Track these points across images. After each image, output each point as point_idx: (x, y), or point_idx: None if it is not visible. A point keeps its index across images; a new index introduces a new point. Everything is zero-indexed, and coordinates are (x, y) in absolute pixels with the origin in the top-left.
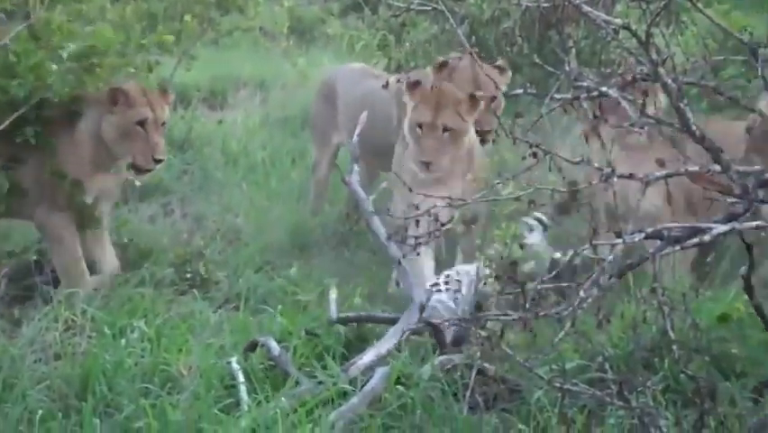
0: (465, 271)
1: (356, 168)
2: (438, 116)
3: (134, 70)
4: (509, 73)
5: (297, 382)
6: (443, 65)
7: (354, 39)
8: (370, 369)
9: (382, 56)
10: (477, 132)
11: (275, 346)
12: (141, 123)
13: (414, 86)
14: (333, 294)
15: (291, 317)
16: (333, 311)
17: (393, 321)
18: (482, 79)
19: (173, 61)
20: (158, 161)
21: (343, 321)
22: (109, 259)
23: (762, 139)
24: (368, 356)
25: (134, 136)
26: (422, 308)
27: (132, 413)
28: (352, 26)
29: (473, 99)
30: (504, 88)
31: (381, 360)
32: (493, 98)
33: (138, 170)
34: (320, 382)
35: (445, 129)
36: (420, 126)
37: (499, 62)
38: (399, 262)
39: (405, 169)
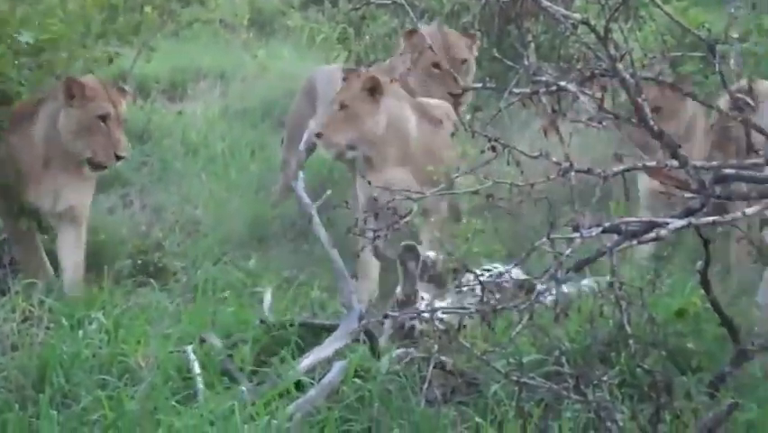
0: None
1: (301, 174)
2: (339, 95)
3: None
4: (478, 42)
5: (236, 381)
6: (412, 32)
7: (314, 31)
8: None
9: (342, 49)
10: (449, 94)
11: (218, 343)
12: (103, 117)
13: (349, 72)
14: (267, 296)
15: (248, 309)
16: (267, 314)
17: (329, 328)
18: (452, 42)
19: (133, 53)
20: (119, 158)
21: (281, 325)
22: (67, 264)
23: (722, 135)
24: (307, 361)
25: (95, 131)
26: (361, 316)
27: (89, 404)
28: (313, 19)
29: (376, 83)
30: (475, 53)
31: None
32: (463, 61)
33: (96, 166)
34: (278, 375)
35: (342, 105)
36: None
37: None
38: (345, 275)
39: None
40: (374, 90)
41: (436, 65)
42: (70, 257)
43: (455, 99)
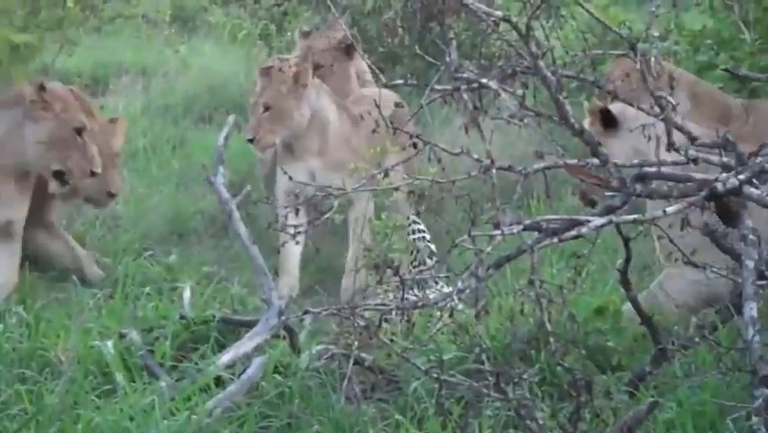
0: None
1: (221, 169)
2: (262, 96)
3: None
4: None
5: (156, 376)
6: (307, 33)
7: (236, 28)
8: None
9: (264, 45)
10: None
11: (137, 338)
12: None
13: (265, 70)
14: (186, 292)
15: (168, 305)
16: (187, 309)
17: (249, 324)
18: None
19: (55, 47)
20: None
21: (201, 321)
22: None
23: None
24: (227, 357)
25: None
26: (280, 313)
27: (8, 398)
28: (235, 15)
29: (299, 75)
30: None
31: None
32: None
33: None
34: (198, 370)
35: (267, 107)
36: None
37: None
38: (265, 272)
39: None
40: (298, 81)
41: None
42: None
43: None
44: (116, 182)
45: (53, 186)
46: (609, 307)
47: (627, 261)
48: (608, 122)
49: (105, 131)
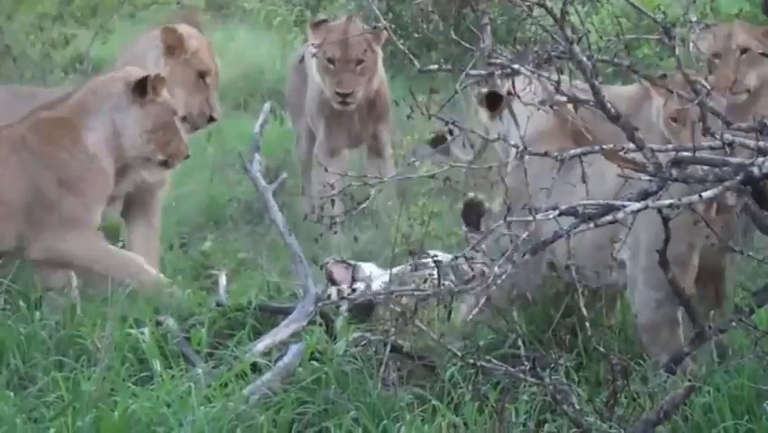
0: None
1: (257, 156)
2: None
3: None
4: (384, 34)
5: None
6: (319, 23)
7: (271, 14)
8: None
9: (299, 32)
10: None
11: (174, 326)
12: (204, 74)
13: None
14: (222, 279)
15: (204, 292)
16: (223, 297)
17: (285, 311)
18: (352, 41)
19: (90, 34)
20: (212, 120)
21: (237, 308)
22: None
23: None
24: (263, 344)
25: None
26: (317, 300)
27: (45, 386)
28: (269, 1)
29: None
30: (378, 49)
31: (277, 347)
32: (358, 62)
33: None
34: (235, 357)
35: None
36: (332, 62)
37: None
38: (301, 259)
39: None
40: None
41: (330, 60)
42: None
43: (342, 98)
44: (218, 107)
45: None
46: None
47: (666, 242)
48: (494, 105)
49: (214, 56)
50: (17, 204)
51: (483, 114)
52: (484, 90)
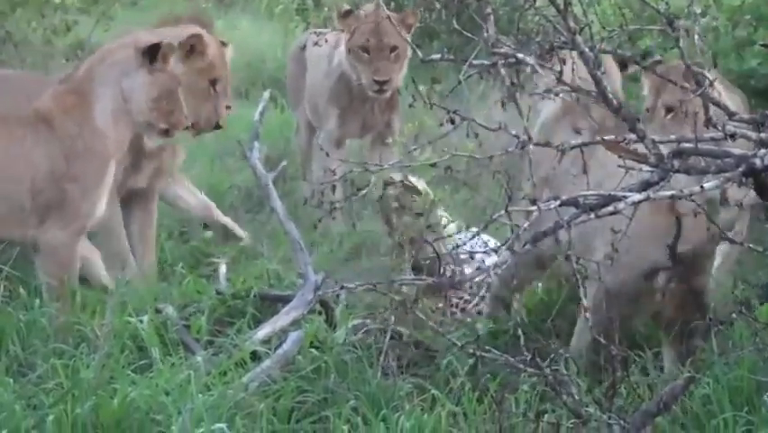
0: None
1: (257, 144)
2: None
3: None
4: (412, 21)
5: (192, 351)
6: (348, 13)
7: (273, 2)
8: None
9: (300, 20)
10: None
11: (173, 315)
12: (214, 82)
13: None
14: (222, 268)
15: (204, 280)
16: (222, 285)
17: (285, 299)
18: (384, 28)
19: (91, 22)
20: (219, 127)
21: (235, 296)
22: None
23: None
24: (263, 332)
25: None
26: (316, 288)
27: (45, 372)
28: None
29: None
30: (408, 36)
31: (277, 335)
32: (393, 48)
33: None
34: (234, 345)
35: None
36: (366, 50)
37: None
38: (301, 247)
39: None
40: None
41: (365, 49)
42: None
43: (380, 86)
44: (225, 114)
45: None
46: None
47: (677, 237)
48: None
49: (226, 62)
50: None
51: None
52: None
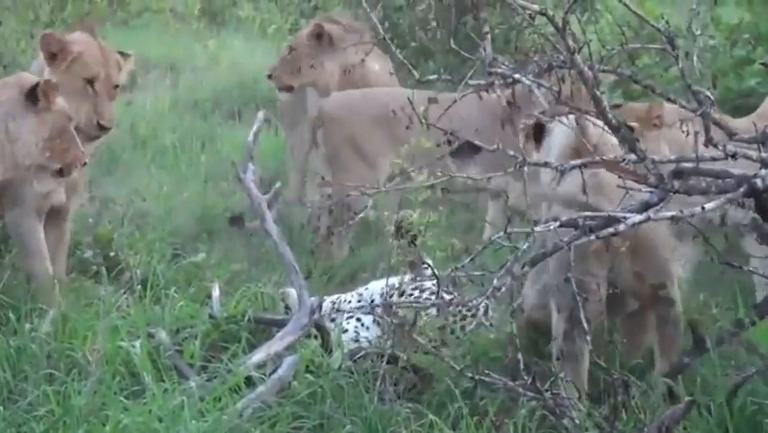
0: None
1: (251, 166)
2: None
3: None
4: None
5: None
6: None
7: (266, 22)
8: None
9: (294, 40)
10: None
11: (166, 338)
12: (91, 81)
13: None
14: (215, 291)
15: (197, 304)
16: (216, 309)
17: (280, 323)
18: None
19: None
20: (102, 128)
21: (229, 320)
22: None
23: None
24: (257, 356)
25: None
26: (312, 312)
27: (35, 399)
28: (264, 9)
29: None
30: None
31: (272, 360)
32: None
33: (87, 135)
34: (228, 370)
35: None
36: None
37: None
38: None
39: None
40: None
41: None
42: None
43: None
44: (110, 115)
45: None
46: None
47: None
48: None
49: (108, 61)
50: None
51: (530, 144)
52: (529, 122)
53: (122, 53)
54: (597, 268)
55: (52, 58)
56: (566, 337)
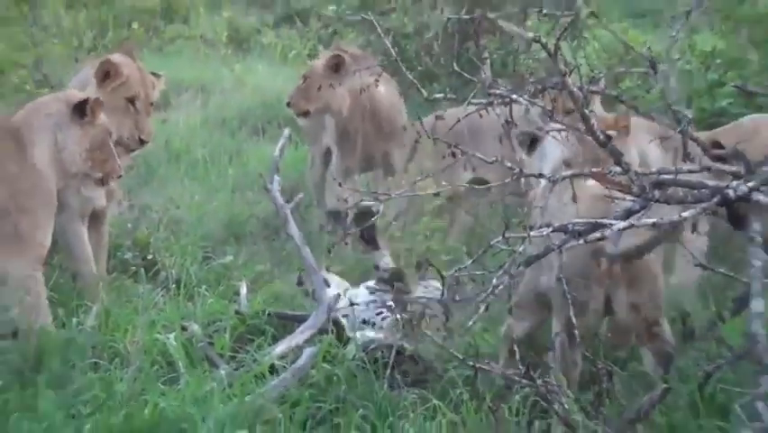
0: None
1: (276, 178)
2: None
3: None
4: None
5: (215, 365)
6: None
7: (287, 48)
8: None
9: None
10: None
11: (198, 332)
12: (132, 99)
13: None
14: (243, 289)
15: (226, 301)
16: (243, 305)
17: (300, 318)
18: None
19: None
20: (143, 143)
21: (254, 316)
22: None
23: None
24: (280, 348)
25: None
26: (329, 309)
27: (82, 385)
28: (285, 36)
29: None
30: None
31: (293, 351)
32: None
33: (127, 148)
34: (254, 360)
35: None
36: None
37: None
38: (316, 271)
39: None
40: None
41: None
42: None
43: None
44: (149, 130)
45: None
46: None
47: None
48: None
49: (146, 82)
50: None
51: (523, 152)
52: (525, 131)
53: (154, 74)
54: (597, 292)
55: (103, 79)
56: (564, 348)
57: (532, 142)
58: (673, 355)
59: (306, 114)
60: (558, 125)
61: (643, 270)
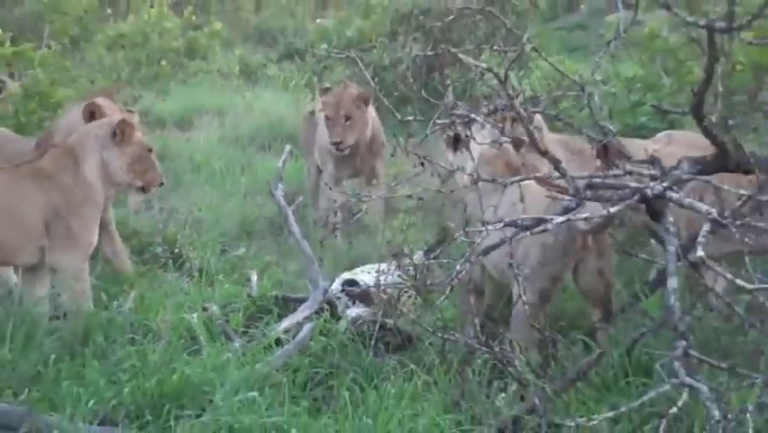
0: None
1: (280, 185)
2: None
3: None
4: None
5: (231, 339)
6: (326, 89)
7: (288, 79)
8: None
9: (308, 91)
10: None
11: (216, 312)
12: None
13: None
14: (254, 277)
15: (239, 286)
16: (253, 290)
17: (301, 300)
18: (342, 103)
19: (152, 95)
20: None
21: (263, 298)
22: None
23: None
24: (284, 324)
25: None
26: (325, 291)
27: (121, 357)
28: (286, 69)
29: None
30: (365, 107)
31: (295, 327)
32: (347, 117)
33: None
34: (263, 334)
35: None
36: (329, 118)
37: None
38: (313, 261)
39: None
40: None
41: (328, 117)
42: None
43: (336, 145)
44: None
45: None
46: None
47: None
48: (456, 145)
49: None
50: (38, 224)
51: (449, 151)
52: (450, 134)
53: (129, 110)
54: (570, 262)
55: (90, 119)
56: (533, 308)
57: (456, 142)
58: (613, 313)
59: (352, 147)
60: (505, 138)
61: (605, 241)
